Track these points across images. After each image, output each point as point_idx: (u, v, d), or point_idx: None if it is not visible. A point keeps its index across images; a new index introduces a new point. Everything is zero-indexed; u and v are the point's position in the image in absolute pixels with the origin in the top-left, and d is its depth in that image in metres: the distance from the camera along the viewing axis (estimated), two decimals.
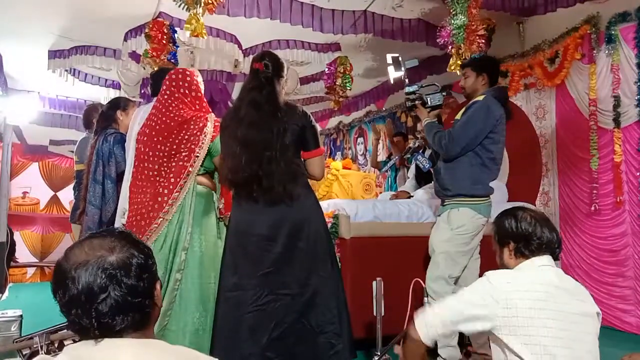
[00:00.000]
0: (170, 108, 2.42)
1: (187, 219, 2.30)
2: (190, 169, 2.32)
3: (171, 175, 2.32)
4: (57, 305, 0.96)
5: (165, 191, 2.29)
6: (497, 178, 4.25)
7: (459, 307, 1.51)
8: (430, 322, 1.52)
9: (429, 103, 2.92)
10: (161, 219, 2.27)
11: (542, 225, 1.59)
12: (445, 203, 2.82)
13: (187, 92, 2.45)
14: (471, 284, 1.56)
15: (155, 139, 2.37)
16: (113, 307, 0.92)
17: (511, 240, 1.62)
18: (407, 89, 2.97)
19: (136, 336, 0.95)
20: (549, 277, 1.52)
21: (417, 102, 2.93)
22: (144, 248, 1.01)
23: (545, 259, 1.57)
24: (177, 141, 2.35)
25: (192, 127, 2.37)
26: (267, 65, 2.27)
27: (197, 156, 2.33)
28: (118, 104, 3.27)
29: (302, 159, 2.31)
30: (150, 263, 1.01)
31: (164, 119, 2.40)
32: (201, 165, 2.37)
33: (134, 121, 2.76)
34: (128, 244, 0.99)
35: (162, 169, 2.35)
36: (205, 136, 2.35)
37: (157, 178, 2.34)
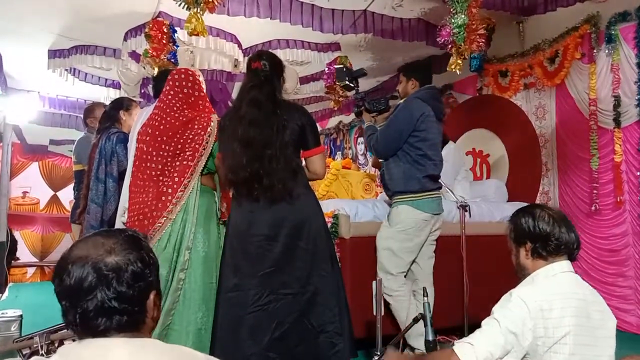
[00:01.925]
0: (175, 108, 2.41)
1: (191, 218, 2.30)
2: (194, 168, 2.32)
3: (175, 174, 2.32)
4: (58, 304, 0.97)
5: (169, 190, 2.29)
6: (497, 177, 4.29)
7: (499, 340, 1.40)
8: None
9: (372, 108, 3.09)
10: (165, 218, 2.26)
11: (560, 225, 1.53)
12: (391, 203, 2.96)
13: (190, 92, 2.44)
14: (504, 306, 1.45)
15: (159, 139, 2.37)
16: (97, 309, 0.92)
17: (528, 240, 1.56)
18: (355, 96, 3.19)
19: (126, 336, 0.95)
20: (572, 289, 1.48)
21: (362, 108, 3.14)
22: (145, 256, 1.00)
23: (565, 264, 1.53)
24: (181, 140, 2.35)
25: (196, 126, 2.37)
26: (265, 64, 2.28)
27: (202, 155, 2.33)
28: (121, 104, 3.28)
29: (303, 158, 2.31)
30: (147, 272, 0.99)
31: (168, 118, 2.39)
32: (205, 166, 2.37)
33: (137, 122, 2.76)
34: (130, 248, 0.98)
35: (166, 168, 2.35)
36: (209, 136, 2.35)
37: (161, 177, 2.34)
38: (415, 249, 2.85)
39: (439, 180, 2.94)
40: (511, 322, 1.41)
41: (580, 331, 1.40)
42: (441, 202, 2.92)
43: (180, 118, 2.39)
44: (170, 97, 2.43)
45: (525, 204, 1.91)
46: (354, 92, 3.21)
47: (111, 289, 0.93)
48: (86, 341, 0.94)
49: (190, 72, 2.49)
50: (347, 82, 3.25)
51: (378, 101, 3.08)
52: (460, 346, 1.43)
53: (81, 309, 0.92)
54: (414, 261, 2.90)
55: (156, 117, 2.42)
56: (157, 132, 2.38)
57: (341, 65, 3.36)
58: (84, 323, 0.93)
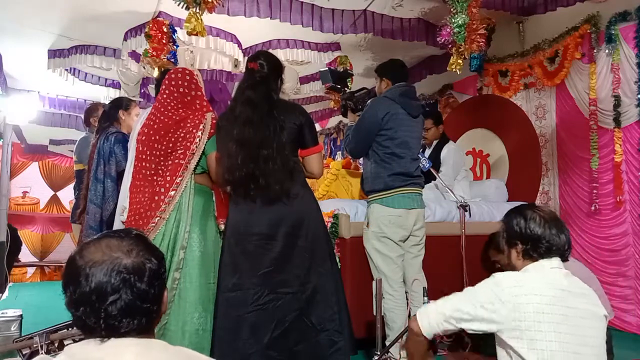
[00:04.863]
0: (169, 107, 2.42)
1: (185, 217, 2.29)
2: (186, 167, 2.31)
3: (167, 174, 2.32)
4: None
5: (162, 190, 2.29)
6: (497, 177, 4.29)
7: (463, 306, 1.47)
8: (433, 318, 1.50)
9: (357, 108, 3.11)
10: (158, 218, 2.26)
11: (551, 227, 1.54)
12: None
13: (186, 91, 2.44)
14: (478, 284, 1.52)
15: (153, 138, 2.37)
16: (122, 310, 0.92)
17: (519, 241, 1.57)
18: (342, 96, 3.21)
19: (136, 337, 0.95)
20: (556, 279, 1.49)
21: (348, 108, 3.16)
22: (158, 254, 1.02)
23: (555, 262, 1.54)
24: (173, 139, 2.35)
25: (188, 125, 2.37)
26: (262, 65, 2.28)
27: (193, 153, 2.32)
28: (120, 104, 3.28)
29: (301, 157, 2.31)
30: (162, 270, 1.01)
31: (162, 117, 2.40)
32: (199, 165, 2.36)
33: (137, 123, 2.76)
34: (145, 248, 0.99)
35: (159, 167, 2.35)
36: (201, 133, 2.34)
37: (155, 177, 2.34)
38: (397, 246, 2.81)
39: (416, 175, 2.88)
40: (480, 298, 1.46)
41: (560, 319, 1.40)
42: (418, 197, 2.87)
43: (174, 117, 2.39)
44: (165, 96, 2.44)
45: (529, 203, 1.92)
46: (342, 93, 3.21)
47: (135, 289, 0.93)
48: (92, 341, 0.94)
49: (188, 72, 2.50)
50: (332, 84, 3.27)
51: (363, 100, 3.08)
52: (421, 309, 1.57)
53: (104, 312, 0.92)
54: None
55: (152, 117, 2.43)
56: (151, 132, 2.38)
57: (325, 69, 3.38)
58: (108, 326, 0.93)
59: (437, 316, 1.50)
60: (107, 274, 0.92)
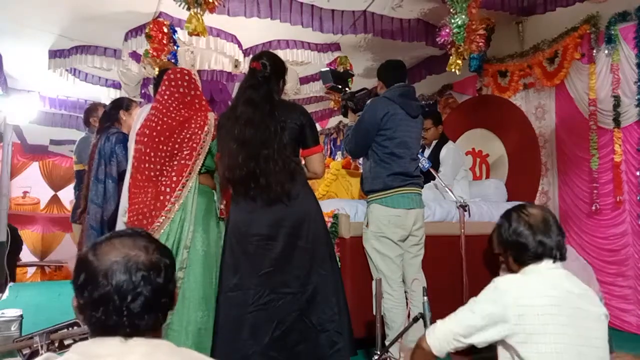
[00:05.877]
0: (171, 108, 2.42)
1: (190, 217, 2.31)
2: (192, 167, 2.33)
3: (173, 174, 2.33)
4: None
5: (168, 189, 2.30)
6: (497, 177, 4.29)
7: (470, 319, 1.45)
8: (442, 336, 1.48)
9: (358, 108, 3.10)
10: (164, 218, 2.27)
11: (536, 232, 1.51)
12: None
13: (186, 91, 2.45)
14: (481, 292, 1.50)
15: (156, 139, 2.38)
16: (143, 306, 0.93)
17: (509, 249, 1.57)
18: (342, 96, 3.22)
19: (149, 336, 0.96)
20: (558, 280, 1.48)
21: (348, 108, 3.16)
22: (169, 250, 1.04)
23: (551, 263, 1.52)
24: (178, 140, 2.36)
25: (193, 125, 2.38)
26: (264, 65, 2.28)
27: (199, 154, 2.34)
28: (121, 104, 3.28)
29: (302, 157, 2.32)
30: (174, 265, 1.03)
31: (165, 119, 2.40)
32: (203, 165, 2.38)
33: (135, 122, 2.77)
34: (157, 246, 1.01)
35: (164, 168, 2.36)
36: (206, 134, 2.37)
37: (159, 177, 2.35)
38: (396, 246, 2.81)
39: (415, 175, 2.88)
40: (484, 307, 1.44)
41: (566, 321, 1.40)
42: (417, 197, 2.87)
43: (177, 118, 2.40)
44: (166, 97, 2.44)
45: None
46: (342, 93, 3.21)
47: (154, 285, 0.95)
48: (99, 340, 0.94)
49: (186, 72, 2.51)
50: (333, 84, 3.28)
51: (364, 100, 3.07)
52: (430, 330, 1.54)
53: (127, 310, 0.92)
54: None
55: (153, 118, 2.43)
56: (154, 133, 2.39)
57: (326, 69, 3.41)
58: (132, 324, 0.93)
59: (447, 334, 1.48)
60: (127, 272, 0.93)
